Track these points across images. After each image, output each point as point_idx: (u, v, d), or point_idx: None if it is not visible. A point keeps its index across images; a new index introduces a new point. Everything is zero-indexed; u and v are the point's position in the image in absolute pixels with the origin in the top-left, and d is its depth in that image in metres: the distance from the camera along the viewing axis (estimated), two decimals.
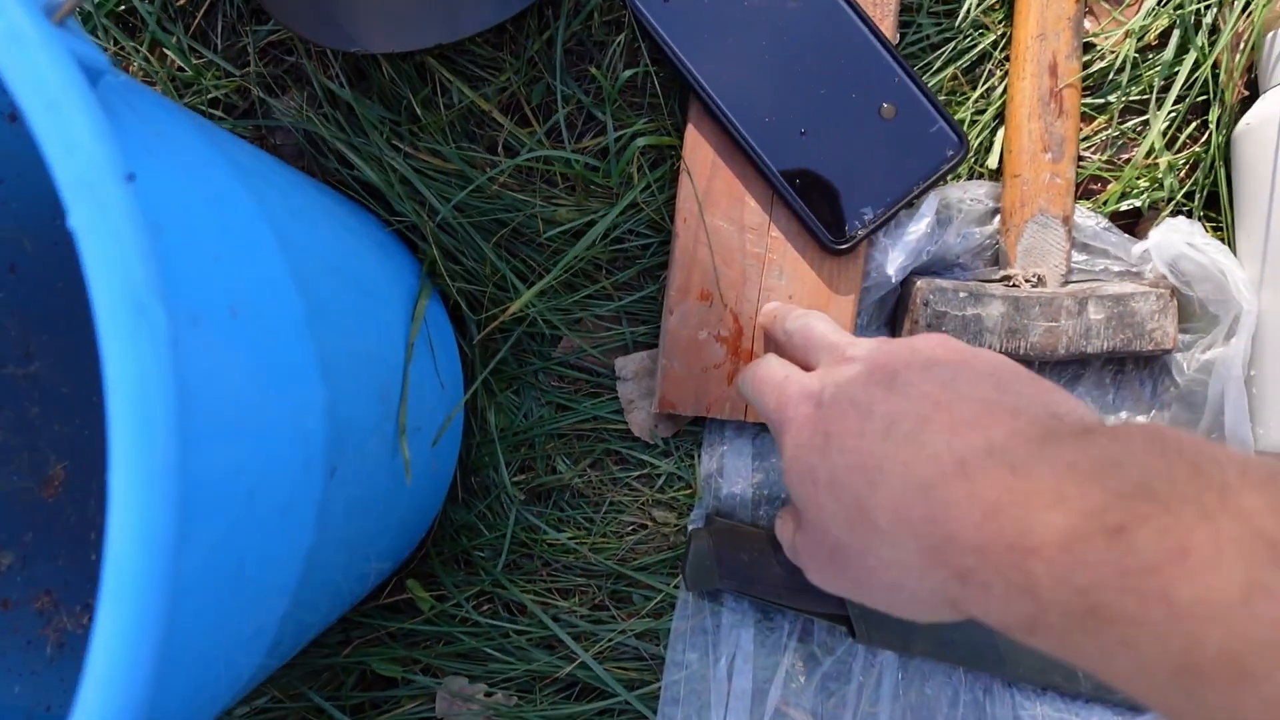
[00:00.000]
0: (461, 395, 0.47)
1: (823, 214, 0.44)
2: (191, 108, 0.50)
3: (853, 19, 0.43)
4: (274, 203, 0.32)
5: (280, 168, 0.39)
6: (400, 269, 0.44)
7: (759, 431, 0.47)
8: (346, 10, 0.46)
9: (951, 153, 0.43)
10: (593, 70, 0.46)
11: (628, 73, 0.45)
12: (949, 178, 0.45)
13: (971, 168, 0.46)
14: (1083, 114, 0.45)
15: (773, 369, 0.35)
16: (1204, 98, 0.43)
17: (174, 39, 0.49)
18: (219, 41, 0.50)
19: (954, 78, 0.46)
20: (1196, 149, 0.44)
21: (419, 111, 0.48)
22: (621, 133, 0.46)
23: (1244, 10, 0.41)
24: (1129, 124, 0.45)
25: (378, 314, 0.37)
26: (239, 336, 0.24)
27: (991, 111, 0.45)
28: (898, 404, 0.28)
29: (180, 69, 0.49)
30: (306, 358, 0.28)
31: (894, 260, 0.44)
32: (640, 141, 0.45)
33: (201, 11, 0.50)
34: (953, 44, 0.45)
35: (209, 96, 0.50)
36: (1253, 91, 0.43)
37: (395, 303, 0.41)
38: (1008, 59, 0.45)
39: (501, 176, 0.47)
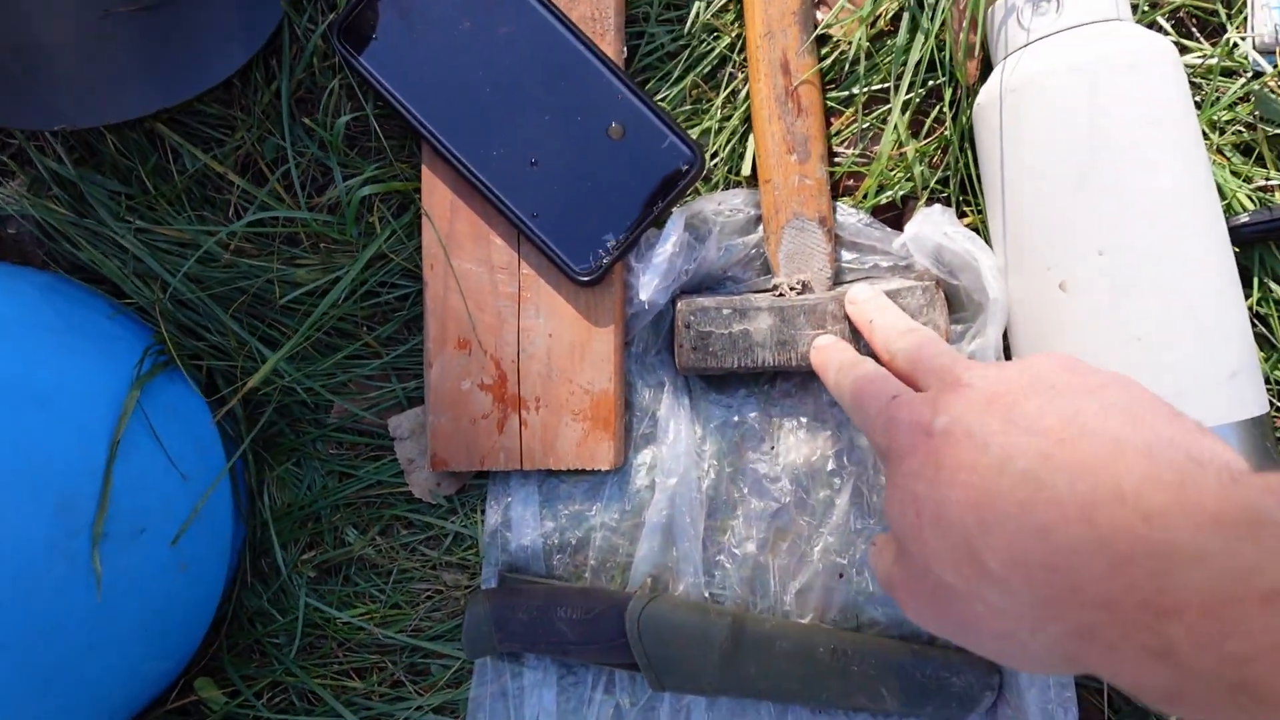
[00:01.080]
0: (218, 480, 0.44)
1: (566, 246, 0.41)
2: None
3: (569, 40, 0.41)
4: None
5: None
6: (118, 358, 0.41)
7: (545, 478, 0.45)
8: (45, 85, 0.43)
9: (686, 167, 0.41)
10: (306, 121, 0.44)
11: (345, 118, 0.43)
12: (693, 191, 0.43)
13: (727, 176, 0.44)
14: (830, 109, 0.43)
15: (877, 382, 0.33)
16: (944, 80, 0.42)
17: None
18: None
19: (696, 85, 0.44)
20: (944, 132, 0.42)
21: (149, 182, 0.45)
22: (350, 182, 0.43)
23: None
24: (876, 114, 0.43)
25: (61, 426, 0.34)
26: None
27: (738, 116, 0.44)
28: (1016, 438, 0.25)
29: None
30: None
31: (647, 285, 0.42)
32: (364, 190, 0.42)
33: None
34: (688, 50, 0.43)
35: None
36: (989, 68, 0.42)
37: (99, 402, 0.37)
38: (746, 59, 0.43)
39: (233, 242, 0.44)
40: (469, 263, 0.43)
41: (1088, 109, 0.35)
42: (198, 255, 0.43)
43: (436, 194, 0.43)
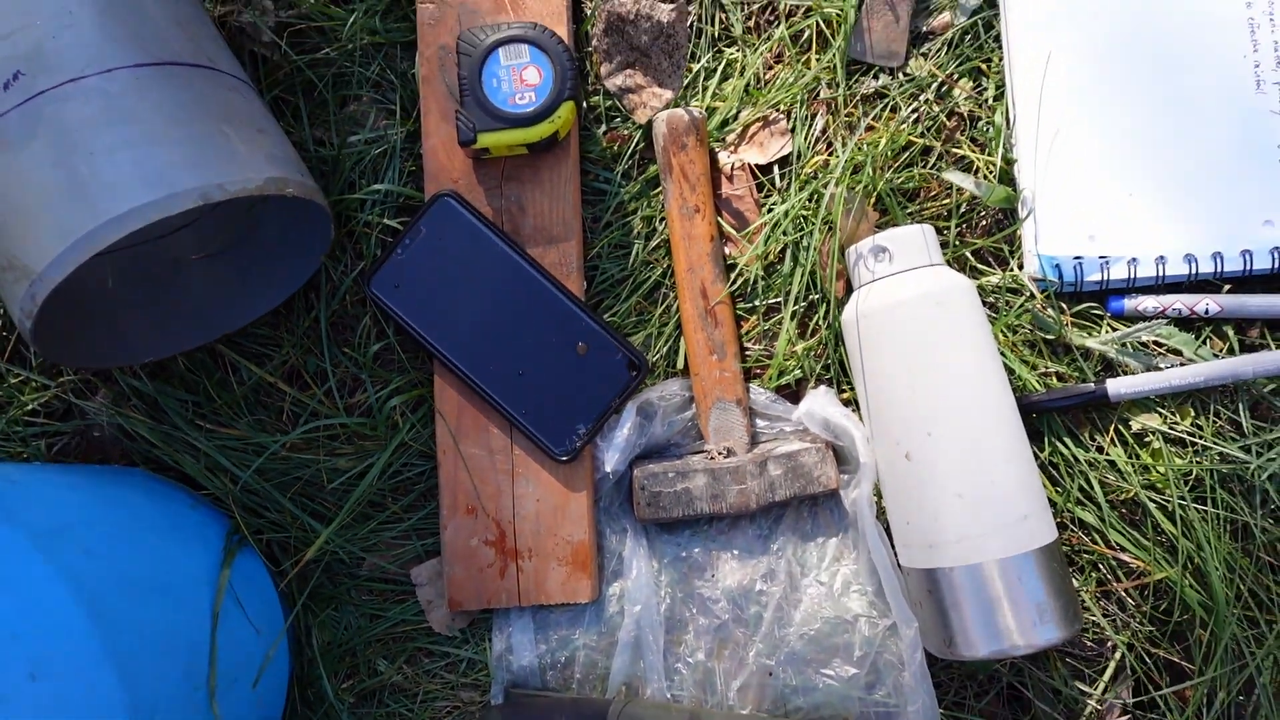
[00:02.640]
0: (280, 628, 0.56)
1: (548, 434, 0.55)
2: (12, 420, 0.58)
3: (543, 281, 0.55)
4: (70, 553, 0.41)
5: (80, 499, 0.48)
6: (207, 541, 0.52)
7: (538, 611, 0.57)
8: (129, 328, 0.55)
9: (635, 373, 0.55)
10: (347, 351, 0.57)
11: (376, 346, 0.56)
12: (640, 388, 0.57)
13: (666, 370, 0.58)
14: (739, 316, 0.58)
15: None
16: (819, 295, 0.57)
17: None
18: (33, 357, 0.59)
19: (639, 303, 0.58)
20: (823, 334, 0.57)
21: (214, 392, 0.58)
22: (380, 392, 0.57)
23: (825, 235, 0.55)
24: (773, 320, 0.58)
25: (178, 606, 0.46)
26: (41, 699, 0.33)
27: (672, 324, 0.58)
28: None
29: None
30: (108, 690, 0.36)
31: (611, 459, 0.55)
32: (394, 401, 0.56)
33: (15, 335, 0.58)
34: (632, 278, 0.58)
35: (27, 409, 0.58)
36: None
37: (199, 581, 0.49)
38: (675, 281, 0.58)
39: (289, 443, 0.57)
40: (473, 448, 0.56)
41: (915, 333, 0.50)
42: (265, 458, 0.55)
43: (446, 397, 0.56)
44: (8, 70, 0.42)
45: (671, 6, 0.54)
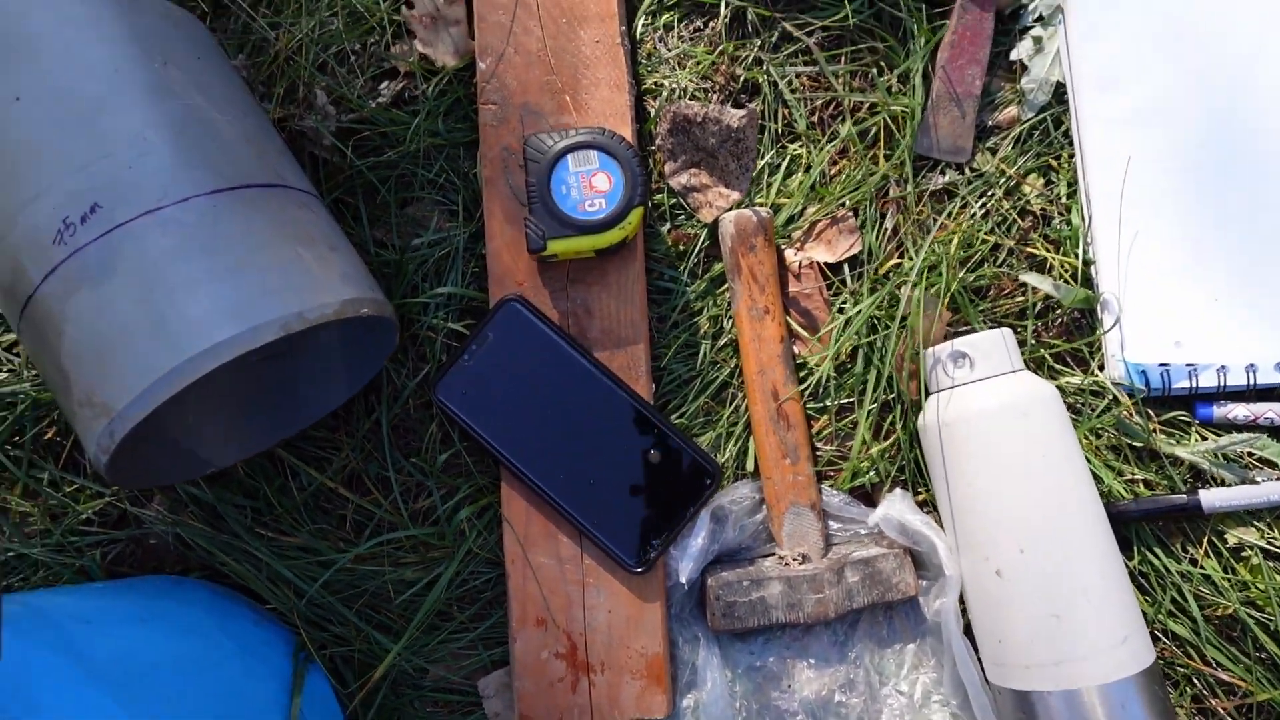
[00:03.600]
0: None
1: (621, 545, 0.53)
2: (68, 529, 0.56)
3: (613, 388, 0.54)
4: (149, 702, 0.39)
5: (153, 636, 0.46)
6: (272, 661, 0.51)
7: None
8: (191, 444, 0.54)
9: (709, 481, 0.53)
10: (414, 460, 0.56)
11: (445, 454, 0.55)
12: (712, 496, 0.56)
13: (735, 472, 0.57)
14: (810, 416, 0.57)
15: None
16: (892, 395, 0.56)
17: (45, 475, 0.56)
18: (88, 465, 0.57)
19: (706, 403, 0.57)
20: (897, 434, 0.56)
21: (274, 499, 0.56)
22: (448, 503, 0.55)
23: (897, 336, 0.54)
24: (845, 420, 0.57)
25: None
26: None
27: (741, 424, 0.57)
28: None
29: (51, 502, 0.56)
30: None
31: (685, 568, 0.54)
32: (464, 513, 0.54)
33: (71, 440, 0.57)
34: (699, 379, 0.57)
35: (82, 518, 0.57)
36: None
37: (269, 707, 0.48)
38: (743, 382, 0.57)
39: (353, 551, 0.55)
40: (542, 557, 0.55)
41: (1001, 444, 0.49)
42: (332, 572, 0.54)
43: (514, 505, 0.55)
44: (85, 203, 0.41)
45: (742, 113, 0.54)
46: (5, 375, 0.57)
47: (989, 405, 0.49)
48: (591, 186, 0.52)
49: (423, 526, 0.56)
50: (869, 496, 0.57)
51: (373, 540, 0.55)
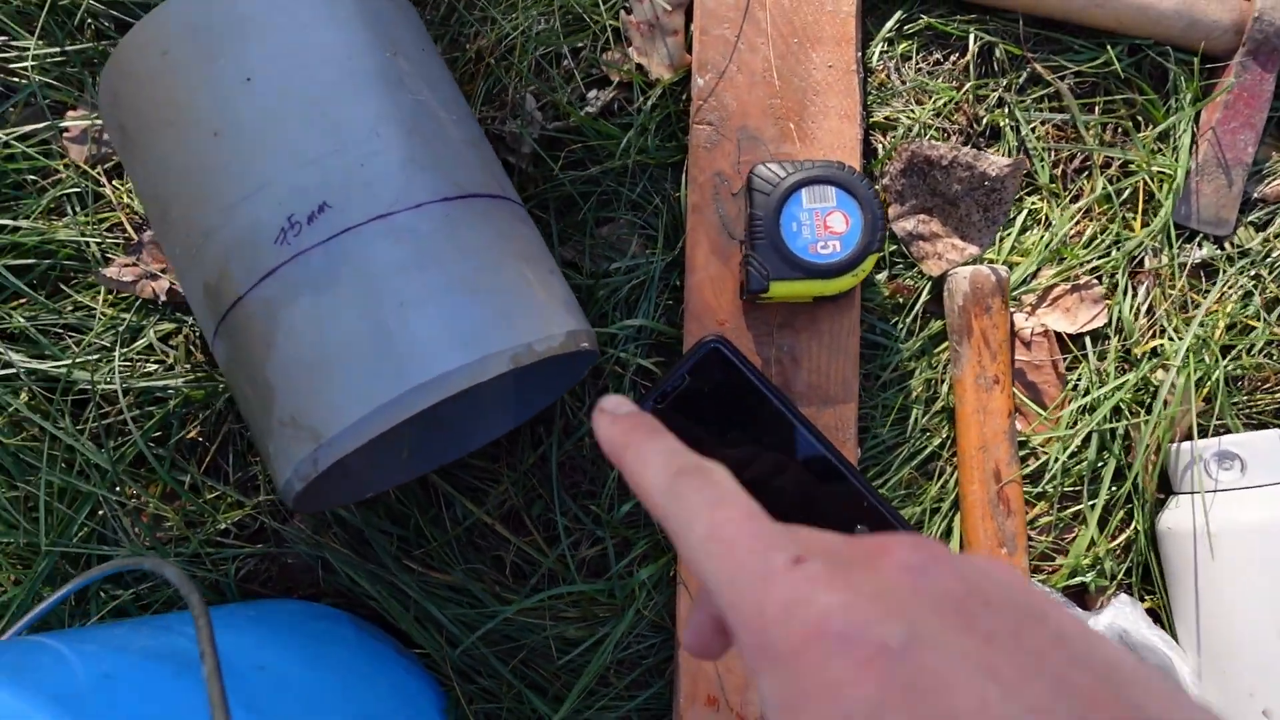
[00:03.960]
0: None
1: None
2: (205, 539, 0.52)
3: (821, 451, 0.48)
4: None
5: (322, 680, 0.41)
6: (428, 713, 0.46)
7: None
8: (360, 465, 0.50)
9: None
10: (593, 507, 0.51)
11: (628, 505, 0.50)
12: None
13: None
14: (1025, 500, 0.51)
15: (758, 533, 0.20)
16: (1125, 488, 0.50)
17: (187, 477, 0.52)
18: (230, 471, 0.53)
19: (911, 475, 0.51)
20: (1128, 532, 0.50)
21: (426, 530, 0.52)
22: (624, 561, 0.50)
23: (1151, 426, 0.48)
24: (1068, 511, 0.51)
25: None
26: None
27: (949, 502, 0.51)
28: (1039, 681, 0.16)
29: (190, 507, 0.52)
30: None
31: None
32: (643, 573, 0.49)
33: (215, 445, 0.53)
34: (906, 447, 0.51)
35: (220, 528, 0.52)
36: (1166, 487, 0.50)
37: None
38: (955, 455, 0.51)
39: (520, 607, 0.50)
40: None
41: (1273, 559, 0.43)
42: (494, 623, 0.49)
43: None
44: (314, 201, 0.37)
45: (1006, 162, 0.48)
46: (155, 368, 0.53)
47: (1269, 518, 0.43)
48: (826, 226, 0.47)
49: (589, 580, 0.51)
50: (1082, 598, 0.51)
51: (539, 594, 0.50)
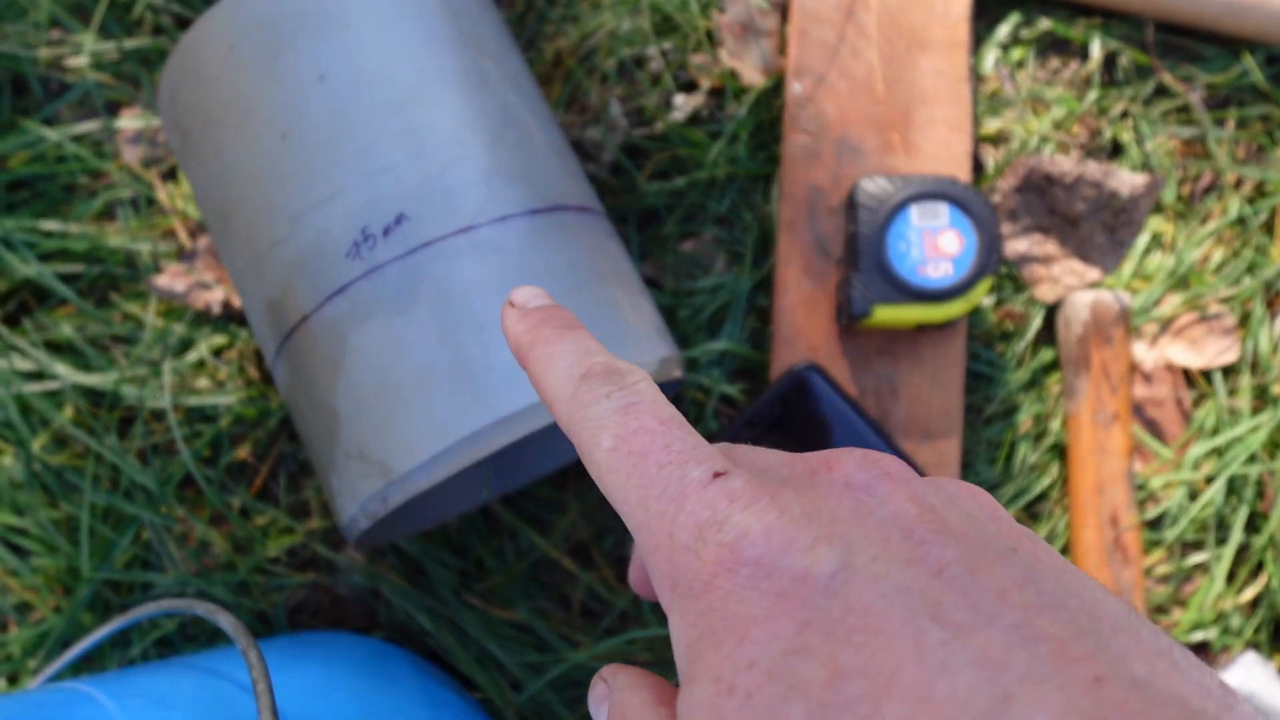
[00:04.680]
0: None
1: None
2: (254, 567, 0.49)
3: None
4: None
5: None
6: None
7: None
8: (425, 501, 0.46)
9: None
10: None
11: None
12: None
13: None
14: (1142, 547, 0.47)
15: (658, 444, 0.17)
16: (1261, 539, 0.45)
17: (236, 500, 0.49)
18: (282, 495, 0.50)
19: (1017, 516, 0.47)
20: (1258, 585, 0.45)
21: (488, 562, 0.48)
22: None
23: None
24: (1189, 561, 0.46)
25: None
26: None
27: (1058, 546, 0.47)
28: (976, 610, 0.14)
29: (239, 533, 0.49)
30: None
31: None
32: None
33: (267, 466, 0.50)
34: (1009, 486, 0.47)
35: (269, 555, 0.49)
36: None
37: None
38: (1066, 496, 0.47)
39: (593, 653, 0.46)
40: None
41: None
42: (565, 667, 0.45)
43: None
44: (390, 212, 0.33)
45: (1142, 180, 0.44)
46: (206, 383, 0.50)
47: None
48: (937, 247, 0.42)
49: (665, 621, 0.47)
50: (1203, 654, 0.46)
51: (612, 638, 0.46)
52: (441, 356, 0.32)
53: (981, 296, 0.43)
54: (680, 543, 0.15)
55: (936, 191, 0.43)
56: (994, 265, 0.42)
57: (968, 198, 0.43)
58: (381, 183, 0.34)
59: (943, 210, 0.43)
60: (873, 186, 0.43)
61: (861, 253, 0.43)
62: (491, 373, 0.32)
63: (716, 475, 0.16)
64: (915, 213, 0.43)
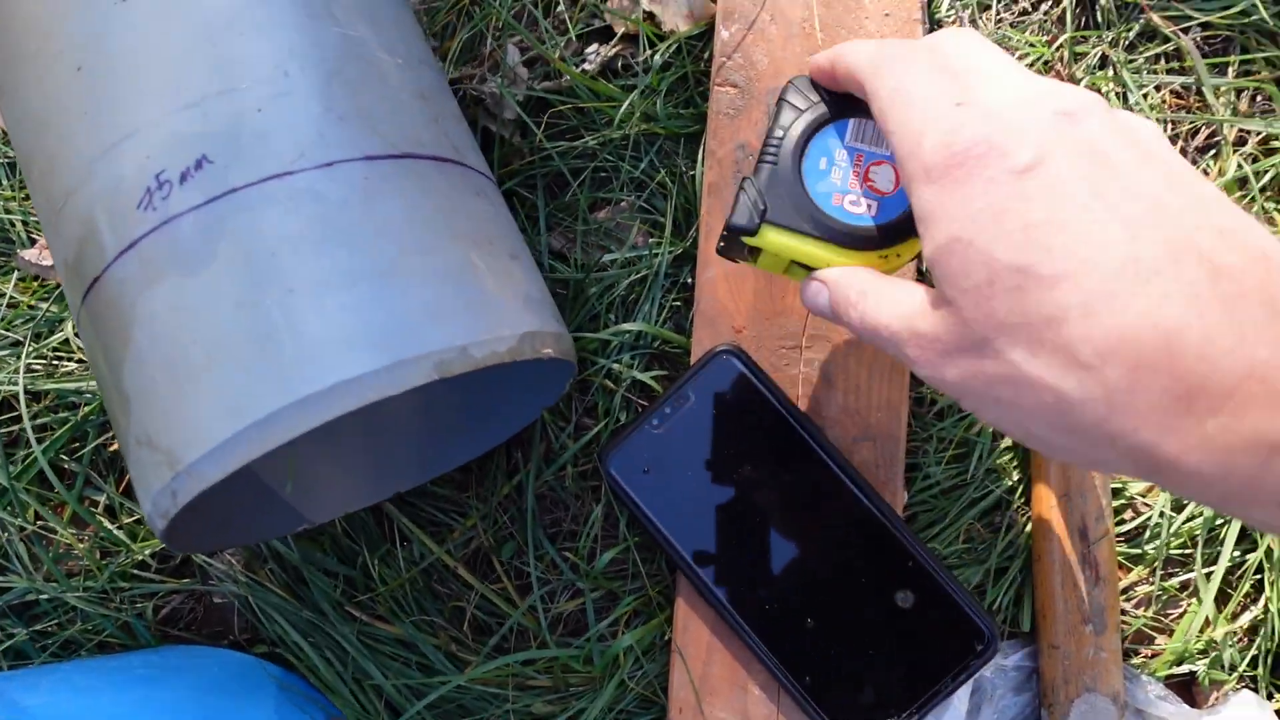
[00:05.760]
0: None
1: (840, 714, 0.38)
2: (119, 572, 0.44)
3: (854, 494, 0.38)
4: None
5: None
6: None
7: None
8: (285, 490, 0.41)
9: (981, 647, 0.37)
10: (570, 555, 0.41)
11: (609, 554, 0.40)
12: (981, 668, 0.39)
13: (1003, 628, 0.41)
14: (1119, 563, 0.40)
15: (921, 85, 0.25)
16: (1250, 553, 0.39)
17: (103, 497, 0.44)
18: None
19: (971, 527, 0.41)
20: (1255, 611, 0.39)
21: (375, 570, 0.43)
22: (606, 621, 0.41)
23: None
24: (1174, 580, 0.40)
25: None
26: None
27: (1019, 563, 0.41)
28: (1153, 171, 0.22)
29: (102, 537, 0.44)
30: None
31: None
32: (627, 639, 0.39)
33: None
34: (965, 492, 0.41)
35: (137, 559, 0.44)
36: None
37: None
38: (1028, 502, 0.41)
39: (471, 677, 0.41)
40: (721, 711, 0.39)
41: None
42: (446, 689, 0.40)
43: (692, 633, 0.40)
44: (191, 153, 0.28)
45: None
46: (75, 367, 0.45)
47: None
48: (868, 178, 0.31)
49: (564, 641, 0.41)
50: (1189, 690, 0.40)
51: (503, 658, 0.40)
52: (239, 325, 0.27)
53: (908, 258, 0.31)
54: (925, 148, 0.24)
55: None
56: None
57: None
58: (184, 120, 0.28)
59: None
60: (806, 87, 0.32)
61: (769, 154, 0.32)
62: (296, 344, 0.27)
63: (960, 104, 0.24)
64: (854, 129, 0.32)
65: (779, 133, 0.32)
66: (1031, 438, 0.23)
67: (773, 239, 0.31)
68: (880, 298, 0.27)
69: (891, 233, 0.31)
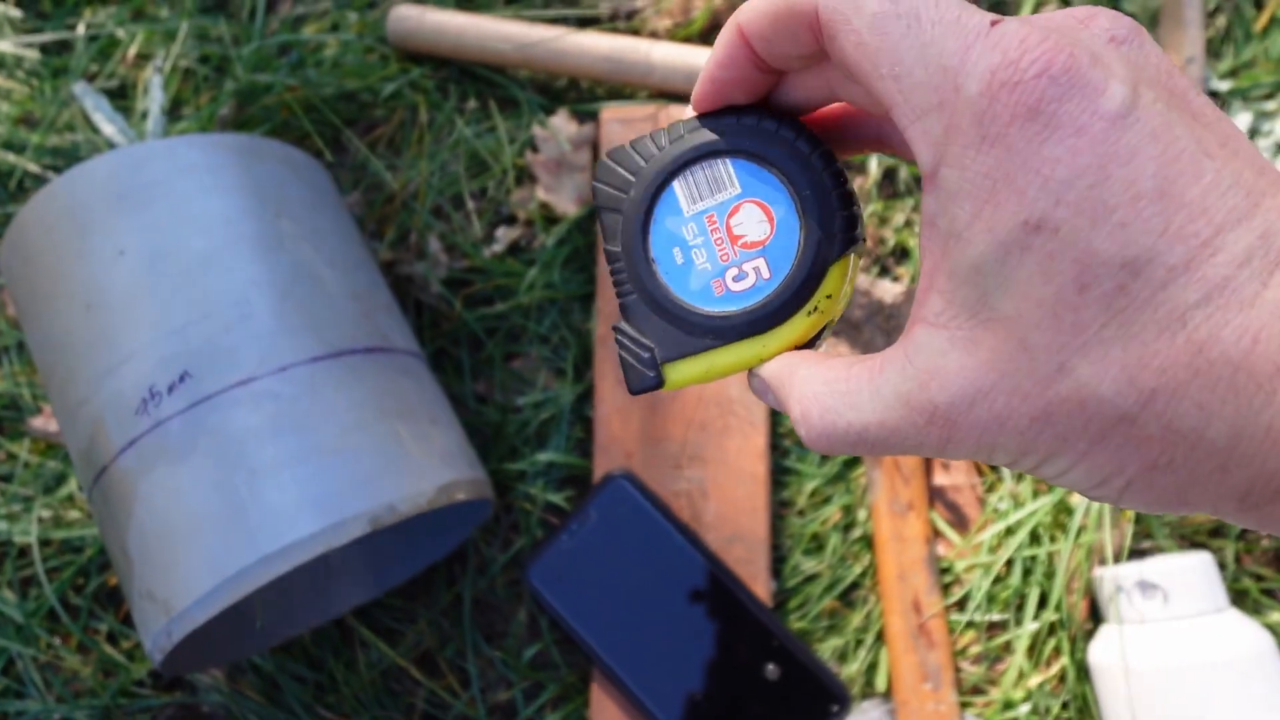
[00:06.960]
0: None
1: None
2: (120, 689, 0.52)
3: (728, 588, 0.47)
4: None
5: None
6: None
7: None
8: (261, 614, 0.49)
9: (836, 709, 0.46)
10: (499, 654, 0.50)
11: (531, 650, 0.49)
12: None
13: (863, 689, 0.49)
14: (953, 628, 0.49)
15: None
16: (1053, 616, 0.47)
17: (104, 625, 0.52)
18: None
19: (832, 606, 0.50)
20: (1060, 664, 0.47)
21: (340, 675, 0.51)
22: (532, 707, 0.49)
23: (1068, 552, 0.46)
24: (997, 640, 0.48)
25: None
26: None
27: (873, 633, 0.49)
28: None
29: (104, 660, 0.52)
30: None
31: None
32: (553, 719, 0.47)
33: None
34: (825, 577, 0.50)
35: (135, 678, 0.52)
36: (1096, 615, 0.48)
37: None
38: (878, 584, 0.49)
39: None
40: None
41: (1206, 706, 0.40)
42: None
43: (605, 713, 0.48)
44: (175, 370, 0.37)
45: (900, 289, 0.48)
46: (77, 515, 0.53)
47: (1194, 660, 0.40)
48: (734, 237, 0.23)
49: None
50: None
51: None
52: (215, 501, 0.36)
53: (841, 293, 0.23)
54: (971, 93, 0.16)
55: (703, 149, 0.23)
56: (841, 242, 0.22)
57: (763, 138, 0.23)
58: (170, 344, 0.38)
59: (724, 172, 0.24)
60: (612, 175, 0.24)
61: (623, 285, 0.24)
62: (259, 514, 0.36)
63: (994, 24, 0.17)
64: (681, 193, 0.24)
65: (614, 248, 0.24)
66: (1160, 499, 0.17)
67: (683, 375, 0.24)
68: (842, 401, 0.20)
69: (802, 281, 0.23)
